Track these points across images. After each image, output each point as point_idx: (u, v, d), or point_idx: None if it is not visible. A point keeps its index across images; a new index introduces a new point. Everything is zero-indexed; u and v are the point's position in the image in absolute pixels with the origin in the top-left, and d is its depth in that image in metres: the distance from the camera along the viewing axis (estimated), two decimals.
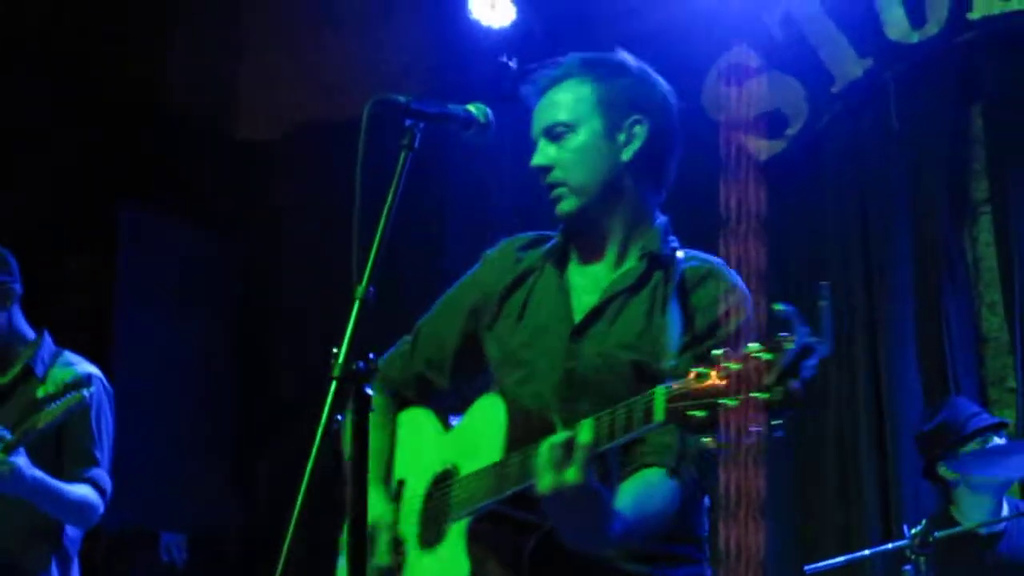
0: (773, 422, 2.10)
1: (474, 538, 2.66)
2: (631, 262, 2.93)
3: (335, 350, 2.31)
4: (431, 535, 2.82)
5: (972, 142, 6.48)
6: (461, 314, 3.13)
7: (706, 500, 2.91)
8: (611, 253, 2.95)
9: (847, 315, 6.46)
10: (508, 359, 2.98)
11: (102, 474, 4.66)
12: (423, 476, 2.93)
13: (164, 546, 7.08)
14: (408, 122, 2.59)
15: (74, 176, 7.40)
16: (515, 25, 6.99)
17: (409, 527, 2.92)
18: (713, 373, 2.14)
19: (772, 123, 6.78)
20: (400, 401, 3.20)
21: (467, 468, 2.76)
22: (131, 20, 7.90)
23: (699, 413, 2.13)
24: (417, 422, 3.11)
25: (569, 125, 2.91)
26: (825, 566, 4.85)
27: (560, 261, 3.01)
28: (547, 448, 2.42)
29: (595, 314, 2.90)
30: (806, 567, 4.88)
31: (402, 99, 2.57)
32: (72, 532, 4.69)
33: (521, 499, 2.57)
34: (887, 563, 5.16)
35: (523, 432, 2.64)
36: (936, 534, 4.46)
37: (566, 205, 2.90)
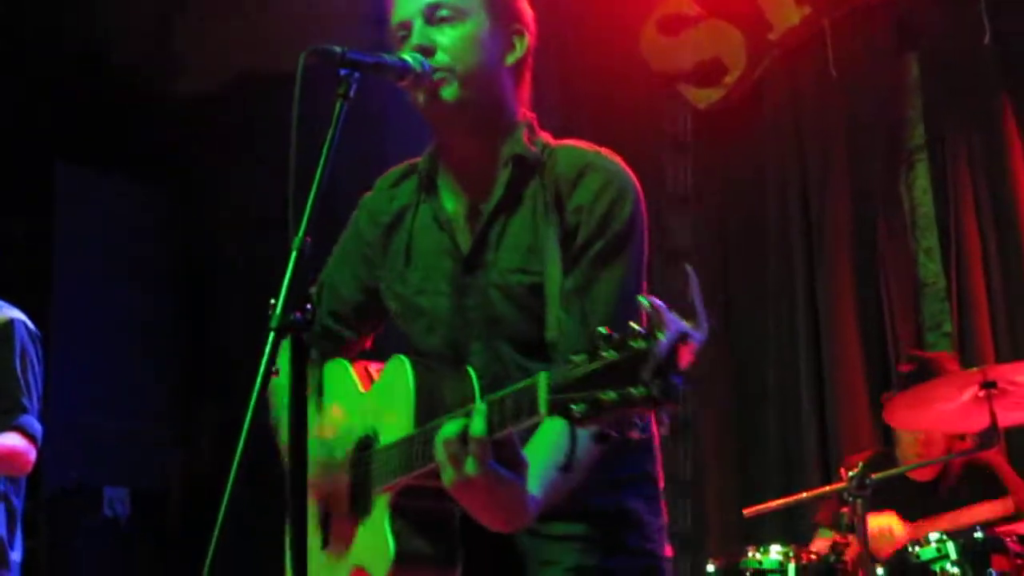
0: (654, 417, 2.01)
1: (397, 513, 2.55)
2: (502, 173, 2.77)
3: (272, 301, 2.28)
4: (360, 506, 2.71)
5: (908, 89, 6.52)
6: (352, 265, 3.01)
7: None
8: (481, 165, 2.79)
9: (786, 261, 6.52)
10: (407, 309, 2.87)
11: (31, 420, 4.56)
12: (347, 438, 2.80)
13: (107, 501, 7.06)
14: (343, 72, 2.50)
15: (9, 136, 7.31)
16: None
17: (339, 494, 2.81)
18: (592, 363, 2.00)
19: (710, 71, 6.80)
20: (320, 353, 3.03)
21: (384, 437, 2.65)
22: None
23: (579, 407, 1.99)
24: (337, 378, 2.96)
25: (458, 10, 2.75)
26: (764, 509, 4.88)
27: (431, 189, 2.88)
28: (441, 443, 2.30)
29: (480, 241, 2.76)
30: (744, 510, 4.92)
31: (337, 49, 2.50)
32: (12, 488, 4.64)
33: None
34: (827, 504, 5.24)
35: (431, 400, 2.55)
36: (872, 476, 4.50)
37: (449, 92, 2.70)
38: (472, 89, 2.73)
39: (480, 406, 2.28)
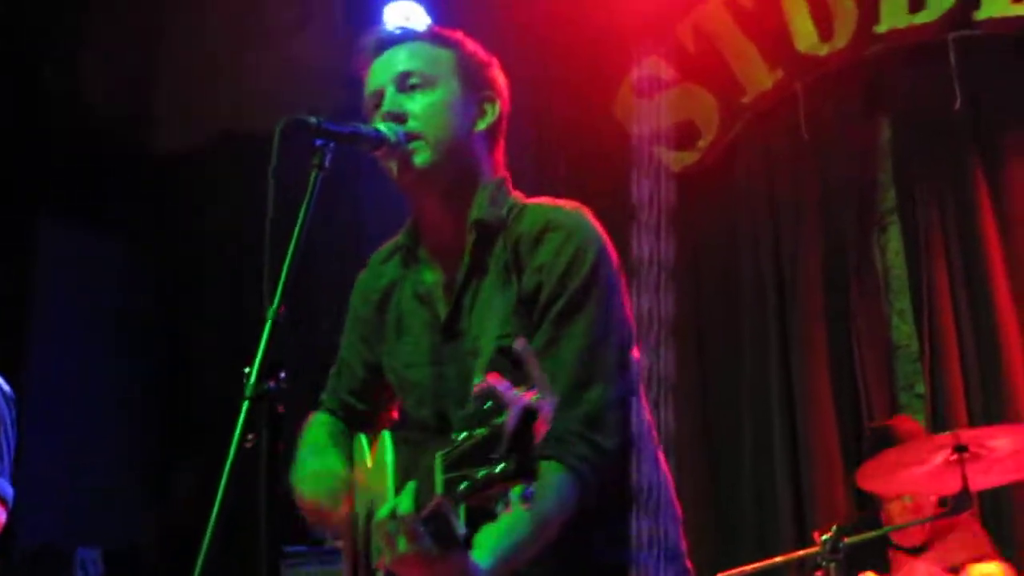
0: (515, 491, 1.97)
1: None
2: (468, 240, 2.79)
3: (247, 370, 2.29)
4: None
5: (880, 152, 6.59)
6: (356, 344, 3.06)
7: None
8: (454, 233, 2.81)
9: (759, 324, 6.55)
10: (400, 383, 2.91)
11: (1, 483, 4.55)
12: (362, 511, 2.78)
13: (79, 561, 7.01)
14: (319, 142, 2.53)
15: None
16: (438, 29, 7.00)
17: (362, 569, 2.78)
18: (468, 441, 2.01)
19: (684, 134, 6.86)
20: (347, 427, 3.07)
21: (378, 512, 2.58)
22: (47, 32, 7.83)
23: (463, 485, 2.00)
24: (356, 451, 2.96)
25: (428, 78, 2.82)
26: (738, 573, 4.88)
27: (411, 262, 2.92)
28: (376, 527, 2.32)
29: (455, 310, 2.80)
30: (718, 575, 4.91)
31: (312, 120, 2.53)
32: None
33: None
34: (800, 570, 5.23)
35: (407, 475, 2.48)
36: (845, 540, 4.51)
37: (421, 158, 2.74)
38: (443, 155, 2.77)
39: (411, 484, 2.27)
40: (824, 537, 4.52)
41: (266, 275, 2.37)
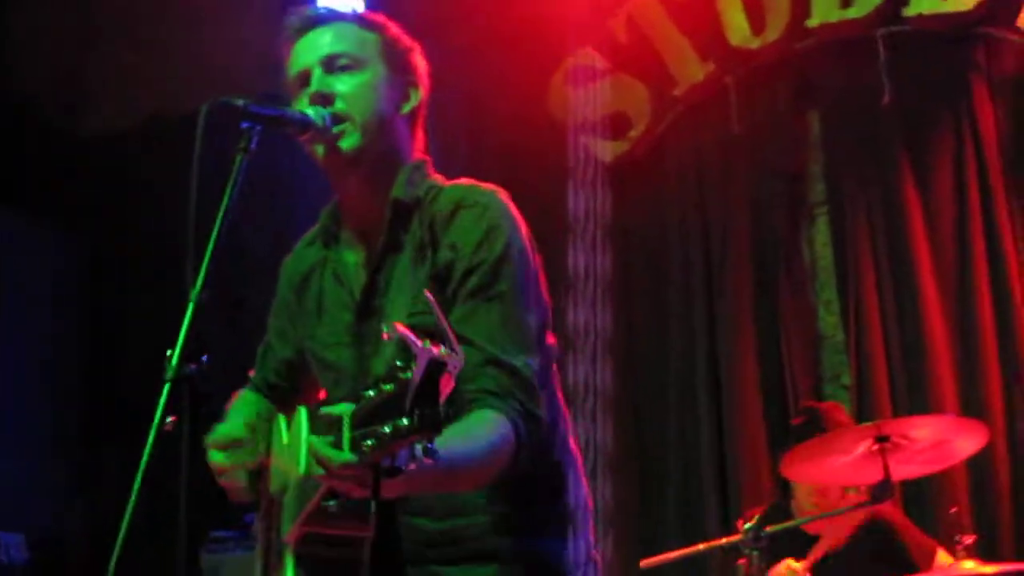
0: (417, 447, 1.98)
1: (299, 564, 2.55)
2: (386, 219, 2.81)
3: (168, 352, 2.29)
4: (276, 557, 2.72)
5: (810, 146, 6.64)
6: (282, 328, 3.09)
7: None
8: (376, 213, 2.82)
9: (688, 313, 6.59)
10: (320, 365, 2.92)
11: None
12: (275, 490, 2.80)
13: (2, 547, 6.95)
14: (244, 125, 2.53)
15: None
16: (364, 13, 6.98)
17: (269, 547, 2.82)
18: (375, 398, 2.00)
19: (616, 125, 6.89)
20: (270, 406, 3.08)
21: (291, 485, 2.65)
22: None
23: (369, 443, 1.99)
24: (273, 431, 2.94)
25: (356, 59, 2.83)
26: (661, 561, 4.91)
27: (332, 244, 2.94)
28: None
29: (370, 288, 2.82)
30: (642, 561, 4.95)
31: (239, 102, 2.53)
32: None
33: (334, 513, 2.46)
34: (724, 557, 5.27)
35: None
36: (767, 529, 4.56)
37: (349, 142, 2.76)
38: (369, 137, 2.79)
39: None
40: (747, 526, 4.56)
41: (190, 258, 2.36)
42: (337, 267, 2.90)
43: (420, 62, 2.97)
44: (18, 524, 7.10)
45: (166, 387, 2.27)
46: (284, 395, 3.11)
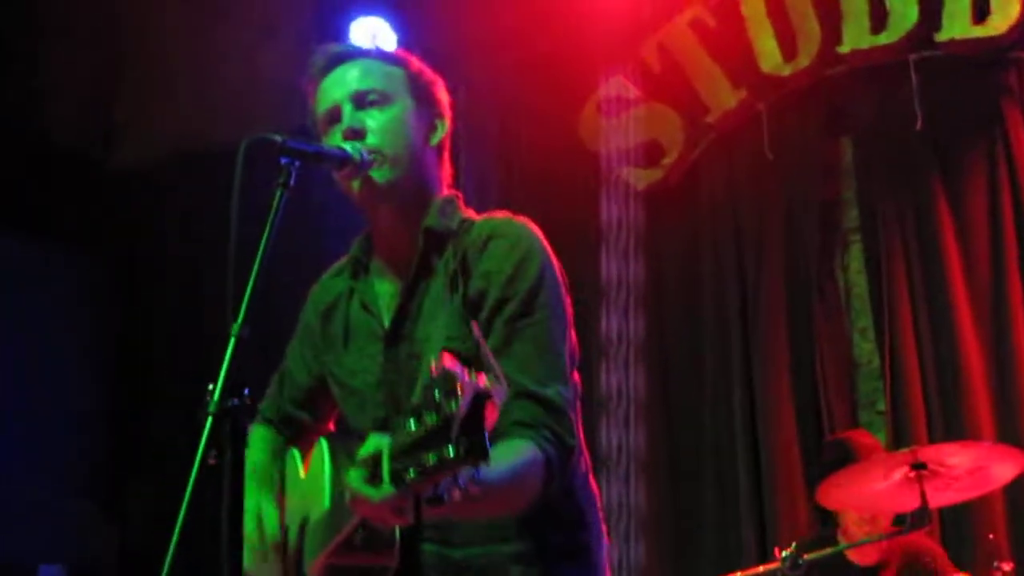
0: (464, 475, 2.00)
1: None
2: (418, 248, 2.84)
3: (210, 387, 2.30)
4: None
5: (843, 172, 6.64)
6: (304, 352, 3.10)
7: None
8: (407, 244, 2.86)
9: (723, 340, 6.57)
10: (342, 391, 2.93)
11: None
12: (294, 525, 2.83)
13: None
14: (284, 160, 2.55)
15: None
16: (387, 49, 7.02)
17: None
18: (417, 429, 2.03)
19: (649, 153, 6.89)
20: (285, 439, 3.11)
21: (313, 518, 2.69)
22: (3, 43, 7.81)
23: (411, 474, 2.02)
24: (289, 466, 3.01)
25: (385, 95, 2.87)
26: None
27: (359, 274, 2.96)
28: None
29: (400, 315, 2.83)
30: None
31: (278, 138, 2.54)
32: None
33: (359, 545, 2.48)
34: None
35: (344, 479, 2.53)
36: (805, 557, 4.54)
37: (379, 174, 2.78)
38: (402, 169, 2.82)
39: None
40: (784, 553, 4.55)
41: (230, 292, 2.37)
42: (365, 297, 2.92)
43: (443, 95, 3.01)
44: (54, 556, 7.14)
45: (208, 421, 2.27)
46: (300, 428, 3.14)
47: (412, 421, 2.04)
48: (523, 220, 2.86)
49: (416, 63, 2.99)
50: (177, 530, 2.21)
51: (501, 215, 2.89)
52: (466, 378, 1.95)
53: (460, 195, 2.97)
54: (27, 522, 6.90)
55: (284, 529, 2.88)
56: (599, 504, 2.90)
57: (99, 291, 7.94)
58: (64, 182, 7.77)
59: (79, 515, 7.35)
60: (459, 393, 1.94)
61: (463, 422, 1.93)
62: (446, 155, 3.00)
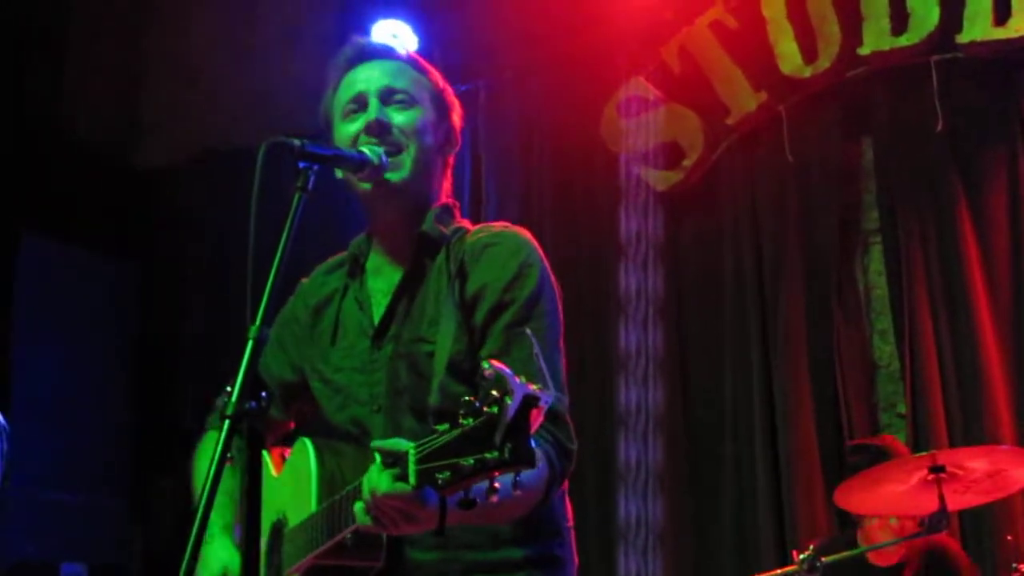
0: (506, 478, 2.02)
1: None
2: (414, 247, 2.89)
3: (228, 389, 2.31)
4: None
5: (863, 174, 6.64)
6: (284, 345, 3.10)
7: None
8: (406, 246, 2.89)
9: (742, 341, 6.57)
10: (325, 387, 2.95)
11: None
12: (265, 525, 2.82)
13: None
14: (302, 164, 2.55)
15: None
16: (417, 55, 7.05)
17: None
18: (452, 431, 2.04)
19: (669, 155, 6.90)
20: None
21: (292, 520, 2.70)
22: (32, 50, 7.86)
23: (443, 475, 2.04)
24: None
25: (411, 96, 2.92)
26: None
27: (356, 273, 2.99)
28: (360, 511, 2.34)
29: (389, 315, 2.86)
30: None
31: (296, 142, 2.55)
32: None
33: (350, 546, 2.50)
34: None
35: (332, 479, 2.61)
36: (823, 559, 4.55)
37: (398, 175, 2.82)
38: (417, 170, 2.86)
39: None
40: (802, 556, 4.56)
41: (249, 295, 2.38)
42: (359, 295, 2.94)
43: (457, 119, 3.06)
44: (79, 554, 7.17)
45: (226, 424, 2.28)
46: (268, 420, 3.05)
47: (445, 424, 2.06)
48: (520, 230, 2.90)
49: (442, 80, 3.05)
50: (195, 530, 2.22)
51: (499, 224, 2.93)
52: (516, 382, 1.96)
53: (458, 205, 3.02)
54: (49, 520, 6.94)
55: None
56: (571, 518, 2.92)
57: (125, 292, 7.97)
58: (88, 185, 7.81)
59: (101, 514, 7.39)
60: (508, 396, 1.95)
61: (509, 425, 1.95)
62: (449, 172, 3.04)
